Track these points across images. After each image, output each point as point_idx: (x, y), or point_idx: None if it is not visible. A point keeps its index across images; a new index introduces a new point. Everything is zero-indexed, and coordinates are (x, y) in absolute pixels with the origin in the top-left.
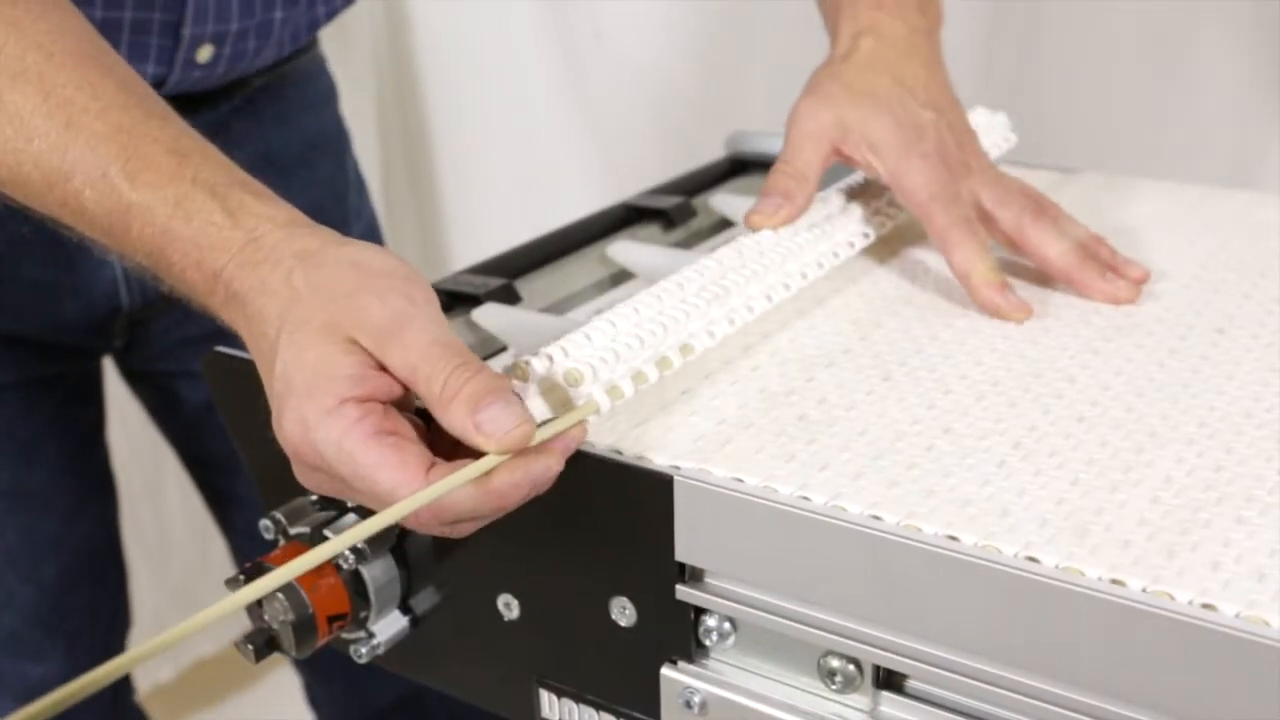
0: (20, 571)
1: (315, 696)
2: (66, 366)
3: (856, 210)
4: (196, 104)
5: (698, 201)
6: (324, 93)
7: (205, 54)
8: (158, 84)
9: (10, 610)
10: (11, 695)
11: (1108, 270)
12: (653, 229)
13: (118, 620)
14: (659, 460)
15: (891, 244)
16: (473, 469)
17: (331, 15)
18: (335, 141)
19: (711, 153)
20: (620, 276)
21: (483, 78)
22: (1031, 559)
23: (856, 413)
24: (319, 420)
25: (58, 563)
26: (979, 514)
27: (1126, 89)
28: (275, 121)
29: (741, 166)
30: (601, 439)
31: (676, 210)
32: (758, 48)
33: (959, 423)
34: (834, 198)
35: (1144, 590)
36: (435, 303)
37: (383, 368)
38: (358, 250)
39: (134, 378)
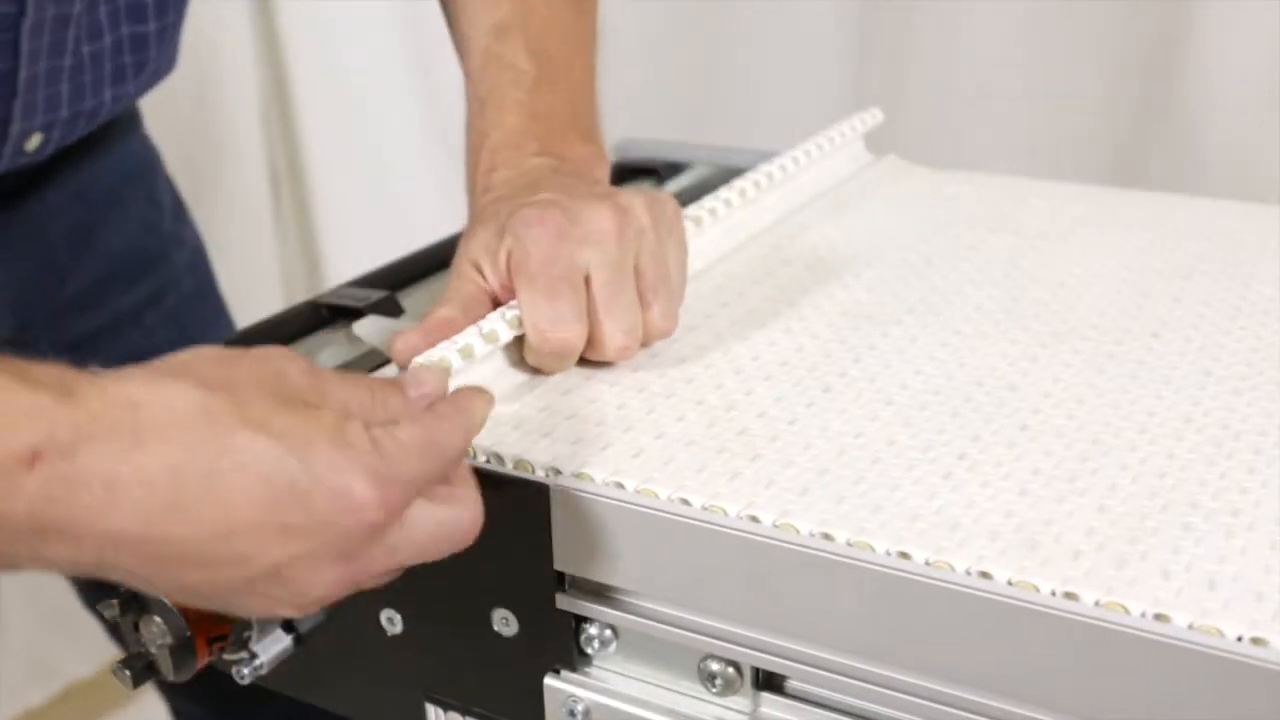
0: None
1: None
2: None
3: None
4: None
5: None
6: (130, 120)
7: (34, 142)
8: None
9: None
10: None
11: None
12: None
13: None
14: (599, 477)
15: (821, 255)
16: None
17: (158, 80)
18: (145, 167)
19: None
20: None
21: (350, 99)
22: (984, 574)
23: (798, 426)
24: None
25: None
26: (928, 528)
27: (997, 92)
28: (84, 155)
29: (631, 172)
30: (538, 456)
31: None
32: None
33: (903, 434)
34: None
35: (1053, 593)
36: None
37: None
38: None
39: None
